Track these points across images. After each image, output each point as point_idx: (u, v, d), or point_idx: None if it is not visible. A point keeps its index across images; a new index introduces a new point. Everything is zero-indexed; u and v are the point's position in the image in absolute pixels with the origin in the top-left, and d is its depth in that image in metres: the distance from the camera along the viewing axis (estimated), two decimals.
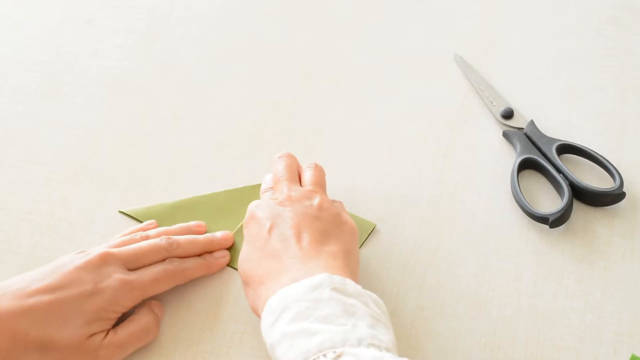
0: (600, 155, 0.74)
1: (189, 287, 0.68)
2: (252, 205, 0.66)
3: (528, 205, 0.71)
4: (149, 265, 0.65)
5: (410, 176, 0.75)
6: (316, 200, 0.65)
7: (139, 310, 0.64)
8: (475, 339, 0.65)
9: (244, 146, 0.77)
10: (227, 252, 0.69)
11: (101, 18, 0.89)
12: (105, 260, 0.62)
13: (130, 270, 0.64)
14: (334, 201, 0.67)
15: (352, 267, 0.61)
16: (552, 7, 0.89)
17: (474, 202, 0.73)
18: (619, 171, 0.72)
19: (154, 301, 0.65)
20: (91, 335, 0.60)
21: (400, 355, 0.54)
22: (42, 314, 0.59)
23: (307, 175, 0.68)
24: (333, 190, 0.74)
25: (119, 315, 0.63)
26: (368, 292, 0.57)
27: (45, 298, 0.59)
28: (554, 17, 0.88)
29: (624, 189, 0.71)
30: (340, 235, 0.63)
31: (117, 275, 0.62)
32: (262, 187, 0.69)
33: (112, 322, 0.62)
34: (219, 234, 0.69)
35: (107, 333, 0.61)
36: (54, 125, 0.79)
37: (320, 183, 0.68)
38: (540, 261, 0.69)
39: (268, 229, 0.62)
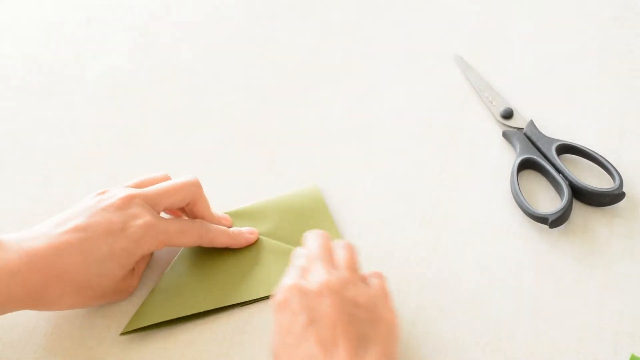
0: (600, 155, 0.74)
1: None
2: (285, 288, 0.58)
3: (528, 205, 0.71)
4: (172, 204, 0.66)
5: (409, 176, 0.75)
6: (353, 292, 0.58)
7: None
8: (474, 339, 0.65)
9: (244, 146, 0.78)
10: (255, 230, 0.69)
11: (101, 18, 0.89)
12: (131, 201, 0.63)
13: (155, 210, 0.65)
14: (370, 283, 0.60)
15: None
16: (552, 7, 0.89)
17: (474, 202, 0.73)
18: (619, 171, 0.72)
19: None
20: (124, 277, 0.63)
21: (400, 355, 0.54)
22: (75, 253, 0.60)
23: (340, 256, 0.62)
24: (333, 190, 0.74)
25: (140, 257, 0.64)
26: None
27: (76, 236, 0.60)
28: (554, 17, 0.88)
29: (624, 189, 0.71)
30: (378, 335, 0.57)
31: (145, 218, 0.63)
32: (294, 261, 0.63)
33: (134, 263, 0.64)
34: (245, 229, 0.70)
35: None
36: (54, 125, 0.79)
37: (354, 267, 0.61)
38: (539, 261, 0.69)
39: (303, 324, 0.56)
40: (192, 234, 0.66)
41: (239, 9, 0.90)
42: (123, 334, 0.64)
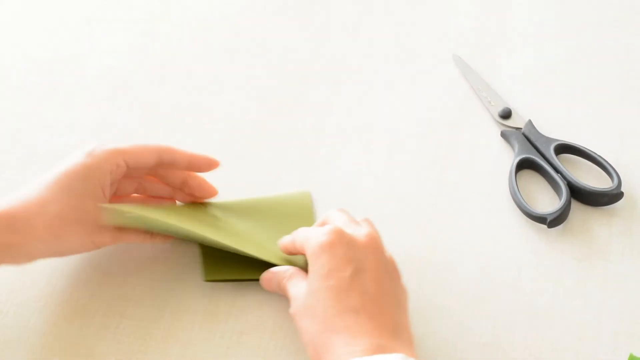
0: (599, 155, 0.74)
1: (188, 286, 0.68)
2: (330, 230, 0.60)
3: (526, 205, 0.71)
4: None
5: (408, 176, 0.75)
6: (388, 254, 0.62)
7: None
8: (473, 339, 0.65)
9: (244, 146, 0.78)
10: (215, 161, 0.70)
11: (100, 18, 0.89)
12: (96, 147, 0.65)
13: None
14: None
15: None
16: (550, 7, 0.89)
17: (473, 201, 0.73)
18: (617, 171, 0.72)
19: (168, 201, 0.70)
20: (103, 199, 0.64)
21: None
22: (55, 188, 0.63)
23: (338, 217, 0.64)
24: (332, 190, 0.74)
25: (103, 173, 0.64)
26: None
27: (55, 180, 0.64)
28: (553, 17, 0.88)
29: (622, 189, 0.71)
30: (404, 302, 0.61)
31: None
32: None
33: (100, 179, 0.64)
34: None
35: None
36: (54, 125, 0.80)
37: (355, 220, 0.64)
38: (538, 261, 0.69)
39: (350, 274, 0.58)
40: (152, 151, 0.66)
41: (238, 9, 0.90)
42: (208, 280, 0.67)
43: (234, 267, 0.68)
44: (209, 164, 0.69)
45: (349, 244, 0.59)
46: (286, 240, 0.65)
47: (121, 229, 0.66)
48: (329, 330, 0.57)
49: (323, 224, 0.64)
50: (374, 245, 0.61)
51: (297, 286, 0.61)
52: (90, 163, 0.64)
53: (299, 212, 0.72)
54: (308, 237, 0.61)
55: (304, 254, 0.63)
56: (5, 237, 0.60)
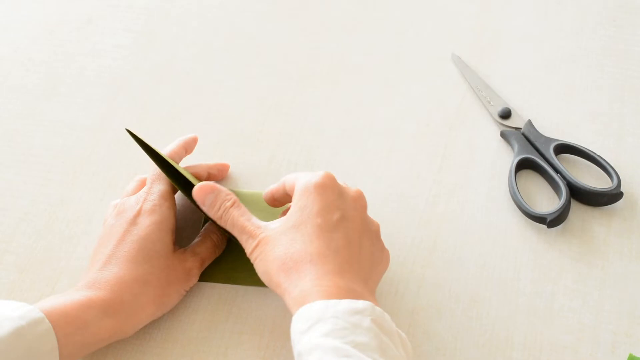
0: (598, 155, 0.74)
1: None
2: (323, 175, 0.61)
3: (526, 205, 0.71)
4: None
5: (408, 176, 0.75)
6: (368, 217, 0.63)
7: (210, 226, 0.69)
8: (473, 339, 0.65)
9: (243, 146, 0.78)
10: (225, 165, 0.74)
11: (99, 18, 0.89)
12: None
13: None
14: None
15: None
16: (550, 7, 0.89)
17: (472, 201, 0.73)
18: (617, 171, 0.72)
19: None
20: (174, 249, 0.65)
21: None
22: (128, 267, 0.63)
23: (354, 188, 0.65)
24: None
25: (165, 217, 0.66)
26: (399, 331, 0.57)
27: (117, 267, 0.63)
28: (552, 16, 0.88)
29: (622, 189, 0.71)
30: (379, 265, 0.62)
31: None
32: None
33: (167, 224, 0.65)
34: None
35: (186, 250, 0.66)
36: (53, 125, 0.79)
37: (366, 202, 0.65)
38: (538, 261, 0.69)
39: (337, 218, 0.60)
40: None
41: (237, 9, 0.90)
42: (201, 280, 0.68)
43: (223, 272, 0.68)
44: (224, 170, 0.75)
45: (340, 191, 0.61)
46: (273, 185, 0.66)
47: (202, 261, 0.67)
48: (302, 261, 0.58)
49: None
50: (362, 203, 0.63)
51: (266, 226, 0.62)
52: (160, 219, 0.65)
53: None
54: (298, 177, 0.63)
55: (287, 203, 0.65)
56: (114, 323, 0.61)
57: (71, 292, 0.61)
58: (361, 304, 0.55)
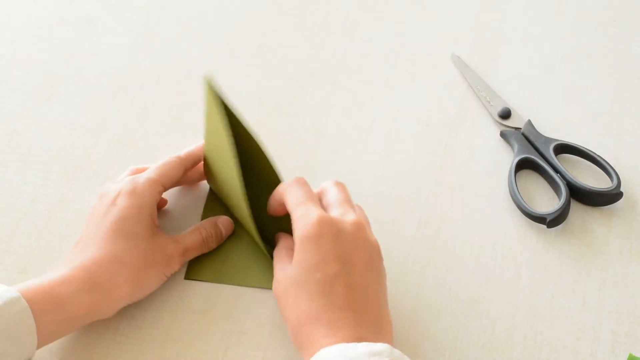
0: (598, 155, 0.74)
1: (187, 286, 0.68)
2: (317, 220, 0.59)
3: (525, 205, 0.71)
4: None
5: (408, 176, 0.75)
6: (373, 238, 0.61)
7: (204, 222, 0.69)
8: (472, 339, 0.65)
9: None
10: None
11: (99, 18, 0.89)
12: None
13: None
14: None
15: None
16: (550, 7, 0.89)
17: (472, 202, 0.73)
18: (617, 171, 0.73)
19: (223, 217, 0.70)
20: (157, 233, 0.66)
21: None
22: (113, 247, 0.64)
23: (333, 194, 0.63)
24: None
25: (148, 201, 0.66)
26: None
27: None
28: (552, 16, 0.88)
29: (622, 189, 0.72)
30: (385, 284, 0.61)
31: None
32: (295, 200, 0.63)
33: (148, 207, 0.66)
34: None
35: (171, 237, 0.67)
36: (52, 125, 0.79)
37: (350, 200, 0.64)
38: (537, 261, 0.69)
39: (336, 269, 0.58)
40: (176, 165, 0.69)
41: (237, 9, 0.90)
42: (187, 278, 0.68)
43: (216, 272, 0.69)
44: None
45: (336, 235, 0.59)
46: (275, 200, 0.65)
47: (185, 251, 0.67)
48: (311, 321, 0.57)
49: (319, 195, 0.64)
50: (361, 236, 0.60)
51: (282, 264, 0.62)
52: (139, 203, 0.65)
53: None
54: (298, 218, 0.60)
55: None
56: (90, 300, 0.61)
57: (49, 272, 0.62)
58: (379, 346, 0.54)
